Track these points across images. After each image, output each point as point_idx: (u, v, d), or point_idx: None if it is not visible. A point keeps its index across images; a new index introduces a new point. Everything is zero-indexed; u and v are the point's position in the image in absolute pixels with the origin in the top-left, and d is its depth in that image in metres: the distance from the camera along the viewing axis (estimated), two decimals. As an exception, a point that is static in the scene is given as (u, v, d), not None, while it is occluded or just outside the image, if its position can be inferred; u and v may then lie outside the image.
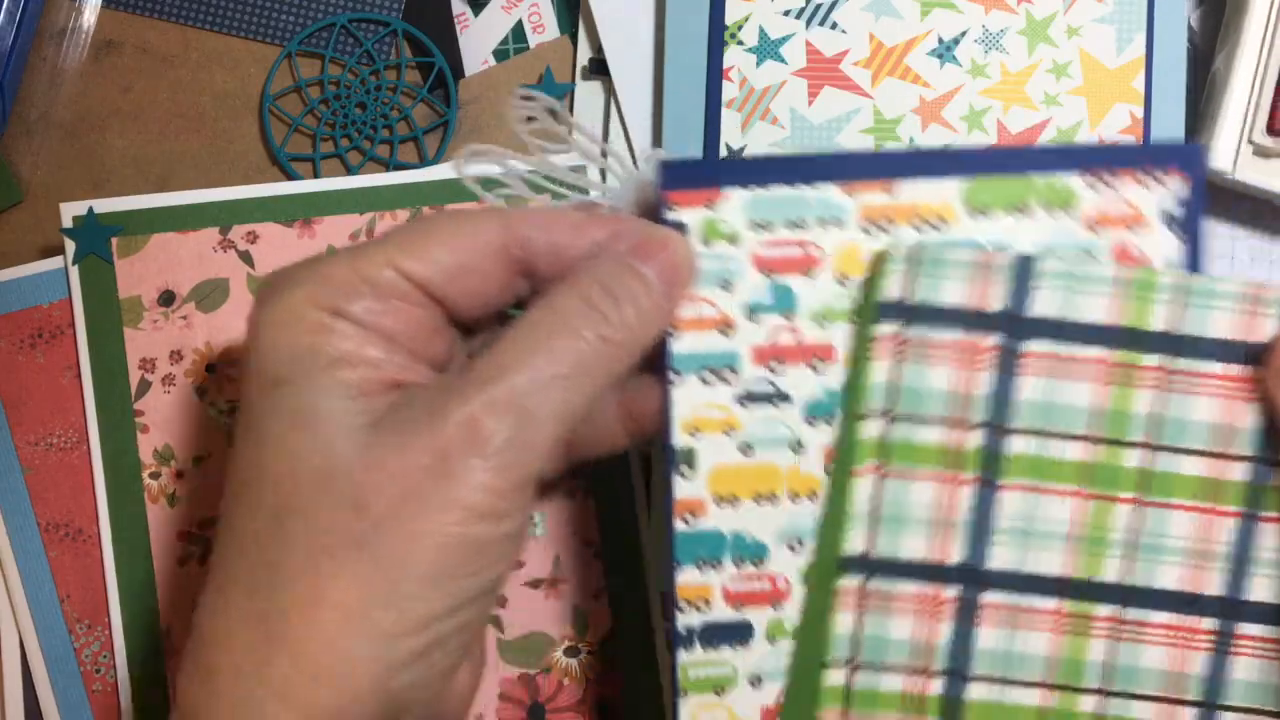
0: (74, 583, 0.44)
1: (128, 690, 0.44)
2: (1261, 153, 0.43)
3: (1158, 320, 0.34)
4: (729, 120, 0.45)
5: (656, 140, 0.46)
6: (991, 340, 0.34)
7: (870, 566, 0.35)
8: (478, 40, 0.48)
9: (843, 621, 0.35)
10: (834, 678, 0.35)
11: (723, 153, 0.45)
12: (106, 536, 0.44)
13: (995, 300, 0.34)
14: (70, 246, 0.45)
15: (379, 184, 0.46)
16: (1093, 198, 0.35)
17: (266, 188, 0.46)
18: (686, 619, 0.35)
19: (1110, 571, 0.34)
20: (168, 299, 0.45)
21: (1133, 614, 0.34)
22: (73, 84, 0.48)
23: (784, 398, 0.35)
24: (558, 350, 0.31)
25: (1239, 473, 0.34)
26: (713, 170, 0.35)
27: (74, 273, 0.45)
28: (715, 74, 0.45)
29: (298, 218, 0.45)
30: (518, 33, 0.48)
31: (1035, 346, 0.34)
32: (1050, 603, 0.35)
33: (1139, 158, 0.35)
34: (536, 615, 0.44)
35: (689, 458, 0.35)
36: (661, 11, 0.46)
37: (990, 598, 0.35)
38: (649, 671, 0.44)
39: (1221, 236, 0.46)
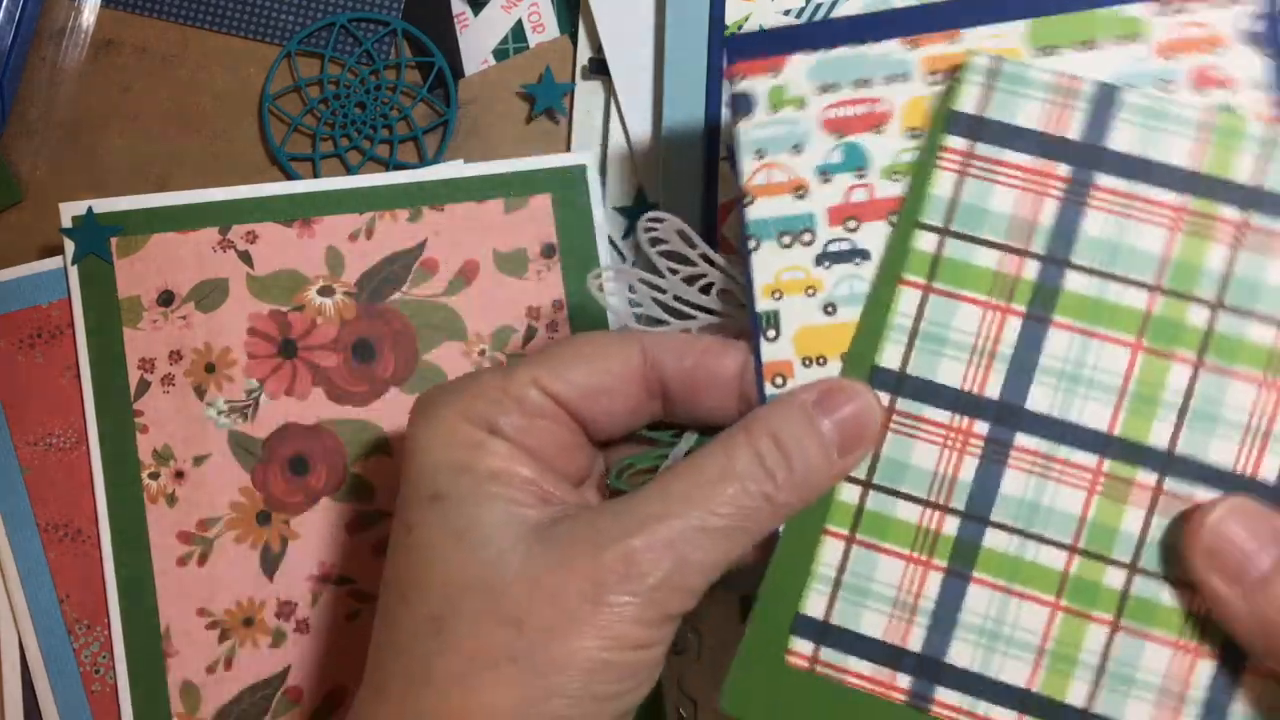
0: (74, 583, 0.44)
1: (127, 690, 0.44)
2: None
3: (1241, 171, 0.32)
4: (729, 120, 0.45)
5: (656, 140, 0.46)
6: (1063, 169, 0.33)
7: (902, 384, 0.34)
8: (477, 40, 0.48)
9: (942, 183, 0.34)
10: (846, 494, 0.34)
11: (722, 151, 0.45)
12: (106, 537, 0.44)
13: (1073, 128, 0.33)
14: (70, 246, 0.45)
15: (379, 184, 0.46)
16: (1163, 24, 0.34)
17: (266, 187, 0.46)
18: None
19: (1159, 436, 0.33)
20: (167, 299, 0.45)
21: (1176, 486, 0.32)
22: (72, 84, 0.48)
23: (863, 255, 0.35)
24: (721, 502, 0.31)
25: None
26: (775, 39, 0.35)
27: (73, 273, 0.45)
28: (715, 74, 0.45)
29: (297, 217, 0.45)
30: (517, 32, 0.48)
31: (1108, 181, 0.33)
32: (1089, 459, 0.33)
33: None
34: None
35: (773, 321, 0.35)
36: (661, 11, 0.46)
37: (1025, 441, 0.33)
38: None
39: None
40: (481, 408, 0.33)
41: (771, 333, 0.35)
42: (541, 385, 0.34)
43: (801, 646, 0.34)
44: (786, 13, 0.45)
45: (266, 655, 0.44)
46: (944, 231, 0.34)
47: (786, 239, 0.35)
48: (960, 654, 0.33)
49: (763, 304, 0.35)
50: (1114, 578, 0.33)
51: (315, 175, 0.47)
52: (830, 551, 0.34)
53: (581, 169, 0.46)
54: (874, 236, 0.35)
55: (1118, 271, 0.33)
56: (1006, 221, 0.34)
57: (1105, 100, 0.33)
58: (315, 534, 0.45)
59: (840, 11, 0.44)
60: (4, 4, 0.46)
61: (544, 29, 0.48)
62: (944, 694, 0.33)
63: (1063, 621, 0.33)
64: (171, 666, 0.44)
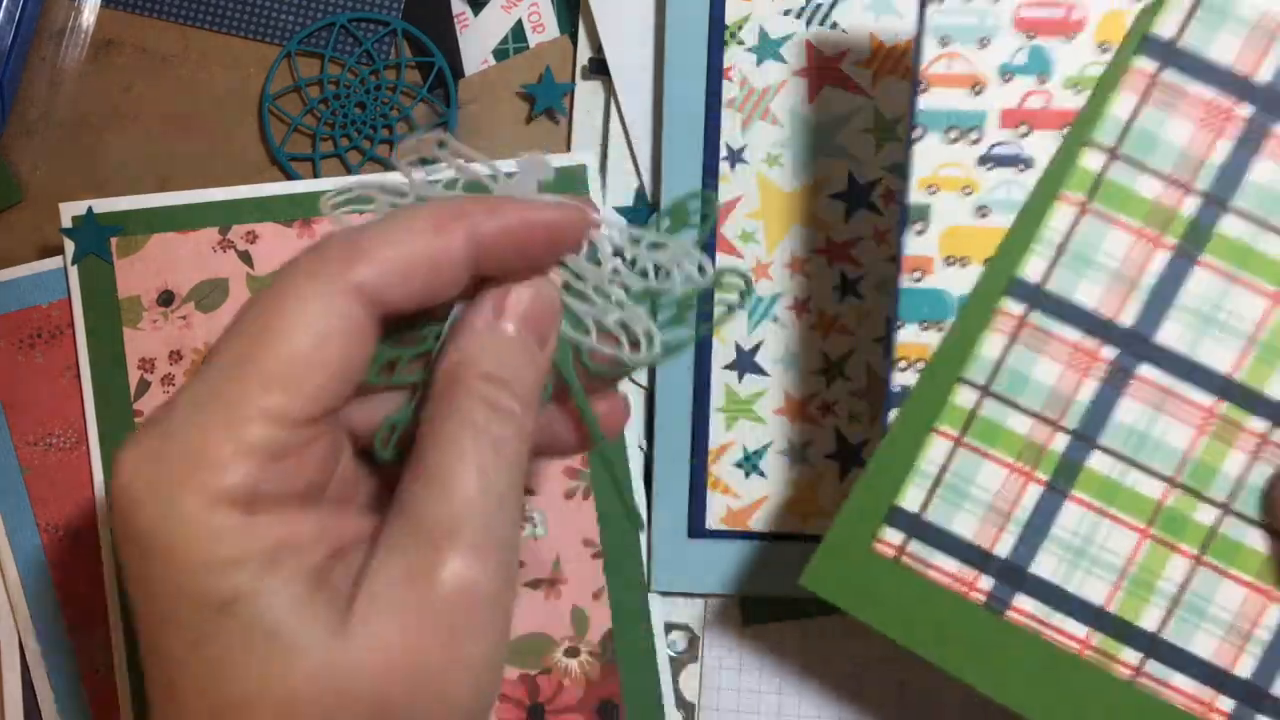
0: (74, 583, 0.44)
1: (127, 690, 0.44)
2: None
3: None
4: (729, 120, 0.45)
5: (656, 140, 0.46)
6: (1245, 109, 0.33)
7: (1039, 298, 0.34)
8: (477, 40, 0.48)
9: (991, 344, 0.34)
10: (963, 397, 0.34)
11: (722, 151, 0.45)
12: (106, 537, 0.44)
13: (1266, 70, 0.33)
14: (70, 246, 0.45)
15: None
16: None
17: (266, 188, 0.46)
18: (902, 378, 0.35)
19: (1277, 388, 0.33)
20: (167, 299, 0.45)
21: None
22: (72, 84, 0.48)
23: (1028, 163, 0.34)
24: (490, 469, 0.28)
25: None
26: None
27: (73, 273, 0.45)
28: (715, 73, 0.45)
29: (297, 217, 0.45)
30: (517, 32, 0.48)
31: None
32: (1206, 399, 0.33)
33: None
34: (536, 615, 0.44)
35: (923, 214, 0.35)
36: (661, 11, 0.46)
37: (1147, 371, 0.34)
38: (649, 671, 0.44)
39: None
40: (226, 481, 0.26)
41: (919, 225, 0.35)
42: (267, 412, 0.27)
43: (891, 536, 0.35)
44: (786, 13, 0.45)
45: (266, 655, 0.44)
46: (1113, 154, 0.34)
47: (953, 134, 0.35)
48: (1045, 565, 0.34)
49: (916, 196, 0.35)
50: (1205, 514, 0.34)
51: (315, 175, 0.47)
52: (936, 450, 0.35)
53: (581, 169, 0.46)
54: (1042, 146, 0.34)
55: (1273, 221, 0.33)
56: (1177, 154, 0.33)
57: None
58: (315, 534, 0.45)
59: (840, 12, 0.44)
60: (4, 4, 0.46)
61: (544, 29, 0.48)
62: (1022, 601, 0.34)
63: (1149, 549, 0.34)
64: (171, 666, 0.44)
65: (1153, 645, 0.34)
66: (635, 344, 0.30)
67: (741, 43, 0.45)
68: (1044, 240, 0.34)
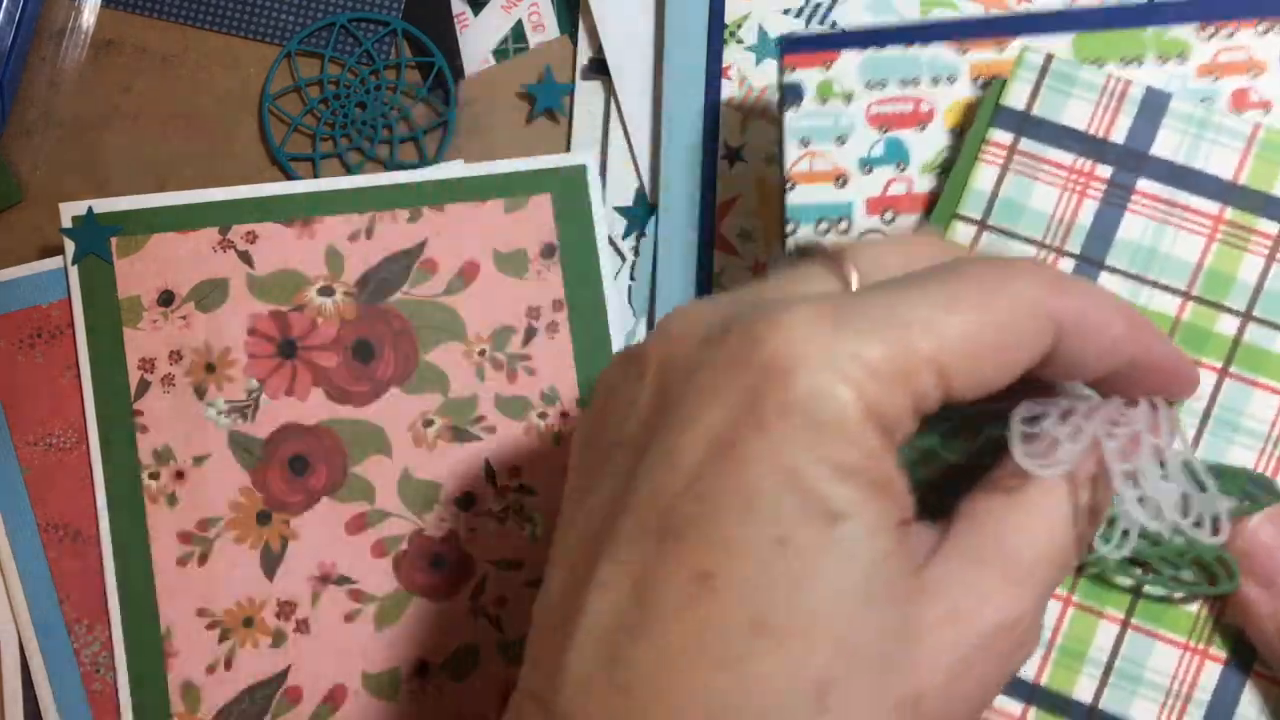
0: (74, 583, 0.44)
1: (127, 690, 0.44)
2: None
3: None
4: (728, 119, 0.45)
5: (656, 140, 0.46)
6: (1105, 170, 0.33)
7: (1027, 124, 0.34)
8: (478, 40, 0.48)
9: (983, 177, 0.34)
10: (962, 232, 0.34)
11: (721, 151, 0.45)
12: (106, 536, 0.44)
13: (1117, 130, 0.33)
14: (70, 246, 0.45)
15: (379, 184, 0.46)
16: (1207, 48, 0.35)
17: (266, 188, 0.46)
18: None
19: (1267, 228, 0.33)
20: (167, 299, 0.45)
21: None
22: (72, 84, 0.48)
23: None
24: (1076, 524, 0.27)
25: None
26: (830, 39, 0.37)
27: (73, 273, 0.45)
28: (715, 73, 0.45)
29: (297, 217, 0.45)
30: (518, 32, 0.48)
31: (1149, 186, 0.33)
32: (1212, 206, 0.33)
33: (1256, 7, 0.34)
34: (536, 615, 0.44)
35: None
36: (661, 11, 0.46)
37: (1147, 185, 0.33)
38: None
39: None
40: (888, 401, 0.24)
41: None
42: (945, 379, 0.24)
43: None
44: (786, 12, 0.45)
45: (266, 655, 0.44)
46: (982, 225, 0.34)
47: (824, 225, 0.36)
48: None
49: None
50: (1226, 324, 0.33)
51: (315, 175, 0.47)
52: None
53: (581, 169, 0.46)
54: (909, 229, 0.36)
55: (1151, 276, 0.33)
56: (1045, 219, 0.34)
57: (1153, 106, 0.33)
58: (315, 534, 0.45)
59: (840, 12, 0.44)
60: (4, 4, 0.46)
61: (544, 29, 0.48)
62: None
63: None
64: (172, 666, 0.44)
65: (1090, 718, 0.33)
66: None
67: (741, 42, 0.45)
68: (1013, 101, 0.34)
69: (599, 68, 0.47)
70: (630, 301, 0.46)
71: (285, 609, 0.44)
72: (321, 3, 0.48)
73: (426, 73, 0.48)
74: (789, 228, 0.36)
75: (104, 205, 0.45)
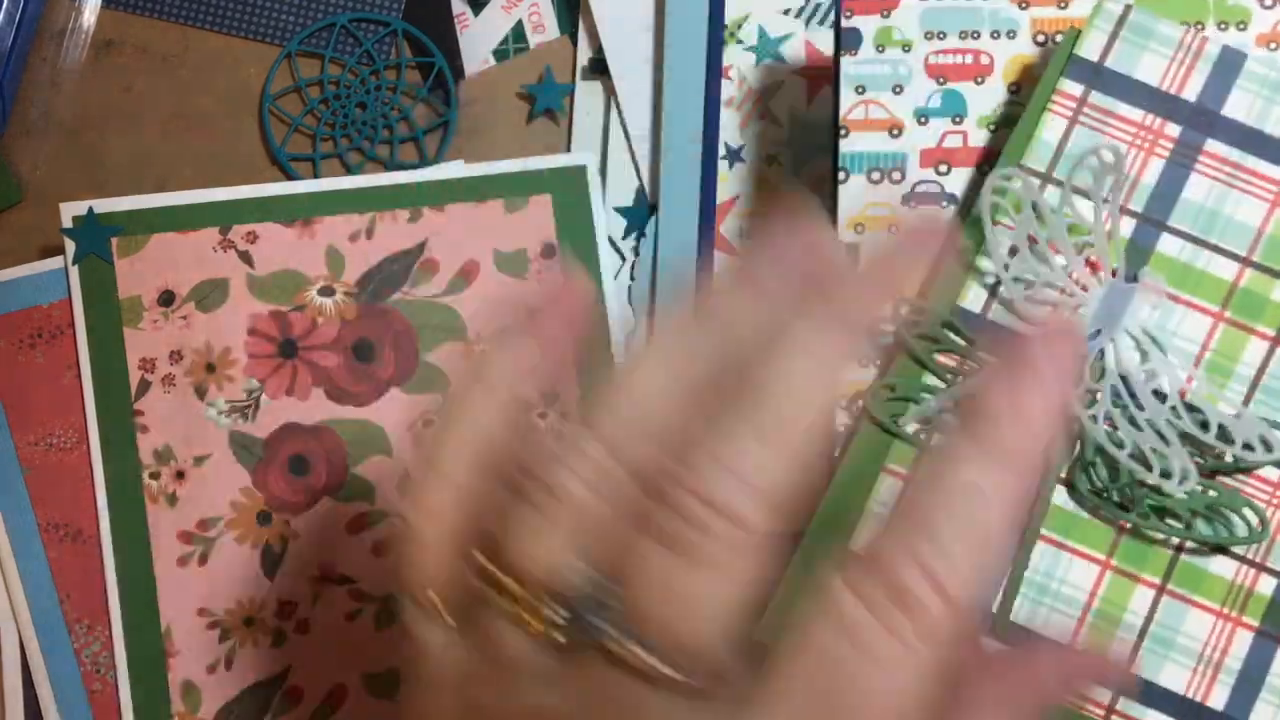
0: (74, 583, 0.44)
1: (128, 690, 0.44)
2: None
3: None
4: (728, 119, 0.45)
5: (656, 140, 0.46)
6: (1174, 129, 0.33)
7: (1099, 76, 0.34)
8: (478, 40, 0.48)
9: (1051, 128, 0.34)
10: (1022, 186, 0.34)
11: (721, 151, 0.45)
12: (106, 536, 0.44)
13: (1190, 88, 0.33)
14: (70, 246, 0.45)
15: (379, 184, 0.46)
16: (1268, 17, 0.35)
17: (266, 188, 0.46)
18: (840, 418, 0.34)
19: None
20: (168, 299, 0.45)
21: None
22: (72, 84, 0.48)
23: (950, 199, 0.35)
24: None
25: None
26: None
27: (74, 273, 0.45)
28: (715, 73, 0.45)
29: (298, 218, 0.45)
30: (518, 33, 0.48)
31: (1217, 148, 0.33)
32: (1278, 172, 0.33)
33: None
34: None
35: (853, 252, 0.35)
36: (661, 11, 0.46)
37: (1216, 147, 0.33)
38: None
39: None
40: None
41: None
42: None
43: None
44: (786, 12, 0.45)
45: (266, 655, 0.44)
46: (1045, 178, 0.34)
47: (876, 175, 0.36)
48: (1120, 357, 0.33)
49: (844, 235, 0.36)
50: None
51: (315, 175, 0.47)
52: (886, 490, 0.34)
53: (581, 169, 0.46)
54: (963, 182, 0.35)
55: (1212, 239, 0.33)
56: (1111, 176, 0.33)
57: (1228, 65, 0.33)
58: (315, 534, 0.45)
59: (840, 11, 0.45)
60: (4, 4, 0.46)
61: (544, 29, 0.48)
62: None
63: (1223, 333, 0.33)
64: (172, 666, 0.44)
65: None
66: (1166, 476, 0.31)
67: (740, 42, 0.45)
68: (982, 270, 0.34)
69: (599, 68, 0.47)
70: (630, 301, 0.46)
71: (285, 609, 0.44)
72: (321, 3, 0.48)
73: (427, 73, 0.48)
74: (841, 176, 0.36)
75: (104, 205, 0.45)
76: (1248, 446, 0.31)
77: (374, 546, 0.45)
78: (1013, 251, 0.34)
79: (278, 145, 0.47)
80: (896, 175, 0.36)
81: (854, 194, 0.36)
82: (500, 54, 0.48)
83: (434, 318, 0.45)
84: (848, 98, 0.36)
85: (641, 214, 0.46)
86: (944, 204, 0.35)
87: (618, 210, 0.46)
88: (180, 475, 0.44)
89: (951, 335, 0.34)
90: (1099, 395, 0.32)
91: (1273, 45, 0.35)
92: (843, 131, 0.36)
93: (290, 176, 0.47)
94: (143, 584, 0.44)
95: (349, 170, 0.47)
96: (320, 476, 0.45)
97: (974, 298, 0.34)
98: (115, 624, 0.44)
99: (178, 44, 0.48)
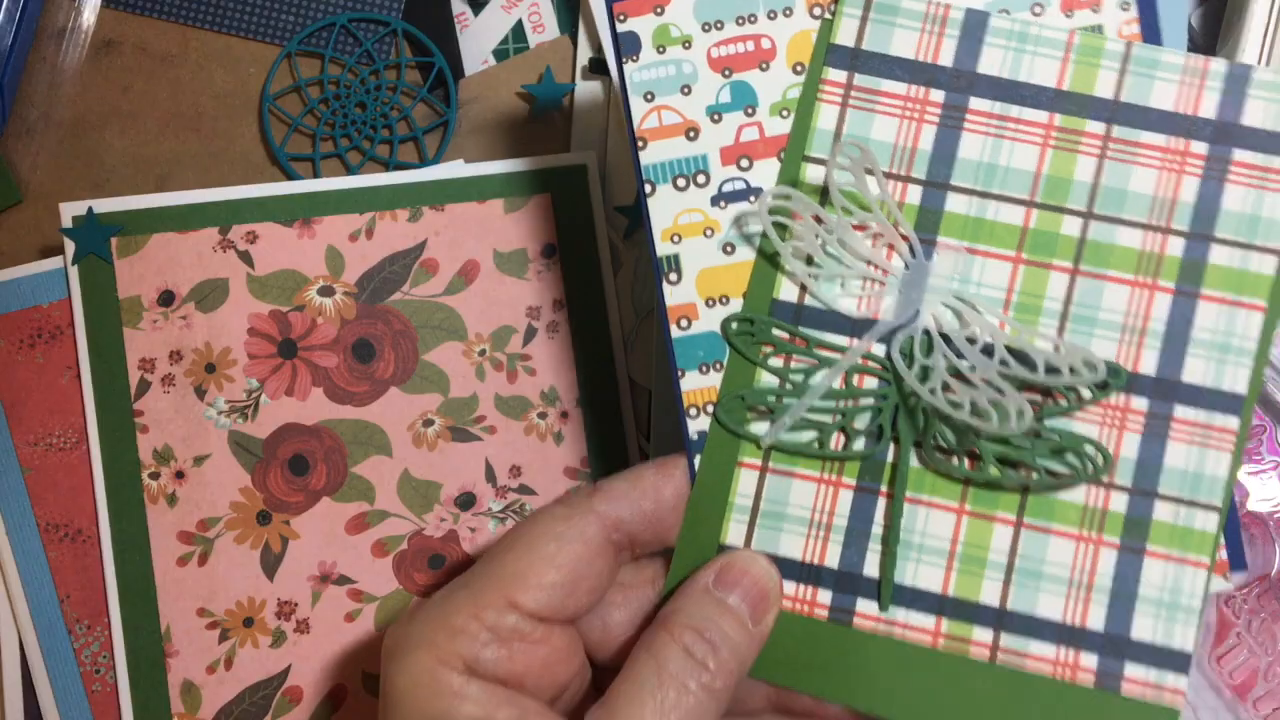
0: (74, 583, 0.44)
1: (127, 690, 0.44)
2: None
3: (1103, 87, 0.34)
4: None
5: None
6: (938, 95, 0.35)
7: (858, 60, 0.35)
8: (478, 40, 0.48)
9: (825, 116, 0.35)
10: (811, 173, 0.35)
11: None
12: (106, 536, 0.44)
13: (944, 54, 0.35)
14: (70, 246, 0.45)
15: (379, 184, 0.46)
16: None
17: (266, 188, 0.46)
18: (697, 424, 0.35)
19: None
20: (167, 299, 0.45)
21: (1122, 133, 0.34)
22: (72, 84, 0.48)
23: (757, 192, 0.35)
24: (666, 709, 0.31)
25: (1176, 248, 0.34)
26: None
27: (74, 273, 0.45)
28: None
29: (297, 217, 0.45)
30: (518, 32, 0.48)
31: (981, 104, 0.35)
32: (1041, 115, 0.34)
33: None
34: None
35: (674, 264, 0.36)
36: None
37: (979, 104, 0.35)
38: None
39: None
40: (458, 646, 0.32)
41: (674, 276, 0.36)
42: (517, 605, 0.33)
43: None
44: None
45: (266, 655, 0.44)
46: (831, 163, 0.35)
47: (682, 181, 0.36)
48: (872, 565, 0.35)
49: (663, 248, 0.36)
50: (1070, 226, 0.34)
51: (315, 175, 0.47)
52: (745, 483, 0.35)
53: (581, 169, 0.46)
54: (766, 173, 0.35)
55: (995, 190, 0.35)
56: (889, 149, 0.35)
57: (974, 26, 0.35)
58: (315, 534, 0.45)
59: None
60: (4, 4, 0.46)
61: (544, 29, 0.48)
62: (864, 605, 0.35)
63: (1025, 274, 0.34)
64: (172, 666, 0.44)
65: (1000, 619, 0.34)
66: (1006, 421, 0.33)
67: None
68: (790, 261, 0.35)
69: (599, 68, 0.47)
70: (630, 301, 0.46)
71: (285, 609, 0.44)
72: (321, 3, 0.48)
73: (426, 73, 0.48)
74: (647, 190, 0.36)
75: (104, 205, 0.45)
76: (1074, 372, 0.33)
77: (374, 546, 0.45)
78: (810, 260, 0.35)
79: (278, 145, 0.47)
80: (701, 178, 0.36)
81: (664, 205, 0.36)
82: (500, 54, 0.48)
83: (434, 317, 0.45)
84: (638, 106, 0.36)
85: (641, 214, 0.46)
86: (752, 199, 0.35)
87: (618, 210, 0.46)
88: (180, 475, 0.44)
89: (776, 332, 0.35)
90: (930, 369, 0.34)
91: (1070, 12, 0.35)
92: (640, 144, 0.36)
93: (290, 176, 0.47)
94: (142, 584, 0.44)
95: (349, 170, 0.47)
96: (320, 476, 0.45)
97: (788, 290, 0.35)
98: (115, 624, 0.44)
99: (178, 44, 0.48)
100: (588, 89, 0.47)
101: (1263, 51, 0.43)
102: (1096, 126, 0.34)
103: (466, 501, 0.45)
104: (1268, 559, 0.45)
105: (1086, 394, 0.34)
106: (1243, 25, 0.43)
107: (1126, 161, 0.34)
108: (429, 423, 0.45)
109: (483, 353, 0.45)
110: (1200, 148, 0.34)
